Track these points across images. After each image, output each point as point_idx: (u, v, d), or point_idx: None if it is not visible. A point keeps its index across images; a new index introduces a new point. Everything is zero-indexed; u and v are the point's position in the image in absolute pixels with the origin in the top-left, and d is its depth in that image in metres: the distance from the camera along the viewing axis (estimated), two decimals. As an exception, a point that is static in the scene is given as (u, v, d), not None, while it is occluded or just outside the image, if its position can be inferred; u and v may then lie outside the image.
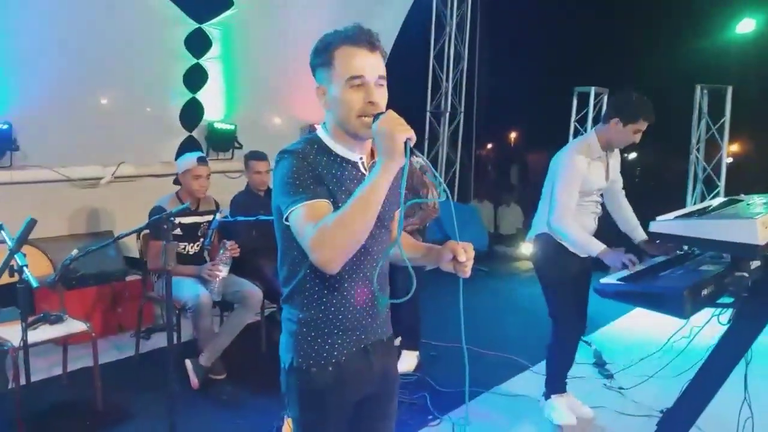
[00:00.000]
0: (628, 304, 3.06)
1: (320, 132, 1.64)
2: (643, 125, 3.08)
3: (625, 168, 3.52)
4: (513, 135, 17.93)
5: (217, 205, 4.03)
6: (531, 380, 3.94)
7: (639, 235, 3.22)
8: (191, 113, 5.39)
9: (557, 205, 3.09)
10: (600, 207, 3.32)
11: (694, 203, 6.93)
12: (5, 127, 4.17)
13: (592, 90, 7.07)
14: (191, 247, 3.94)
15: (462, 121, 8.26)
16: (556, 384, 3.40)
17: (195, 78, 5.24)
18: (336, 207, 1.52)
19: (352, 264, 1.57)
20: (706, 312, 2.85)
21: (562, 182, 3.10)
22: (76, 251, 2.70)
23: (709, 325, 2.97)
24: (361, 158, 1.63)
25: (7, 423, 3.03)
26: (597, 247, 2.98)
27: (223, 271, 3.69)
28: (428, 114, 8.18)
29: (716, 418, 2.96)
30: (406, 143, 1.44)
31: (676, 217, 2.67)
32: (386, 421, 1.81)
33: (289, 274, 1.64)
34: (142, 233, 3.99)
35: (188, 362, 3.71)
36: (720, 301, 2.66)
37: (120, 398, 3.48)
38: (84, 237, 4.69)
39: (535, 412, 3.48)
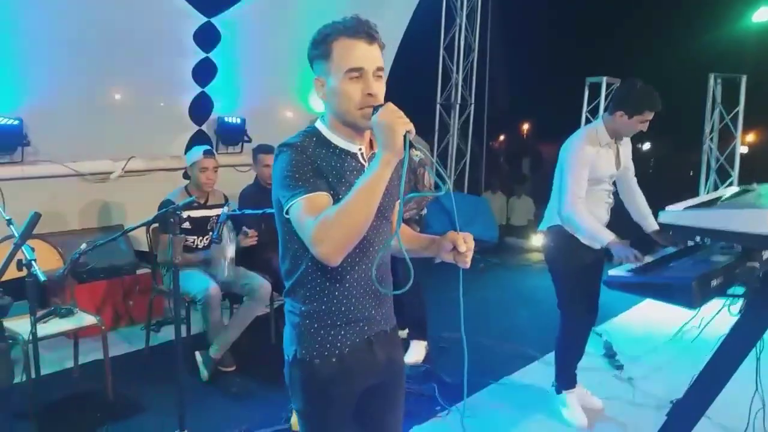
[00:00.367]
0: (637, 296, 3.04)
1: (319, 124, 1.64)
2: (648, 116, 3.04)
3: (639, 159, 3.48)
4: (524, 126, 17.85)
5: (226, 199, 4.04)
6: (540, 371, 3.94)
7: (650, 224, 3.19)
8: (201, 107, 5.41)
9: (567, 193, 3.07)
10: (612, 197, 3.29)
11: (708, 193, 6.85)
12: (16, 122, 4.21)
13: (604, 80, 7.00)
14: (200, 241, 3.96)
15: (472, 112, 8.21)
16: (566, 376, 3.39)
17: (204, 72, 5.25)
18: (336, 199, 1.52)
19: (354, 256, 1.56)
20: (717, 303, 2.83)
21: (571, 170, 3.08)
22: (85, 245, 2.71)
23: (719, 316, 2.95)
24: (360, 149, 1.63)
25: (19, 415, 3.06)
26: (607, 237, 2.95)
27: (230, 250, 3.66)
28: (438, 106, 8.14)
29: (727, 409, 2.95)
30: (405, 136, 1.44)
31: (686, 208, 2.63)
32: (394, 411, 1.80)
33: (291, 267, 1.64)
34: (152, 227, 4.01)
35: (198, 355, 3.74)
36: (731, 291, 2.64)
37: (131, 390, 3.51)
38: (95, 231, 4.73)
39: (544, 402, 3.47)
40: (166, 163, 5.11)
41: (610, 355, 4.17)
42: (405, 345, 3.98)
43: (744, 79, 6.87)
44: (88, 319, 3.41)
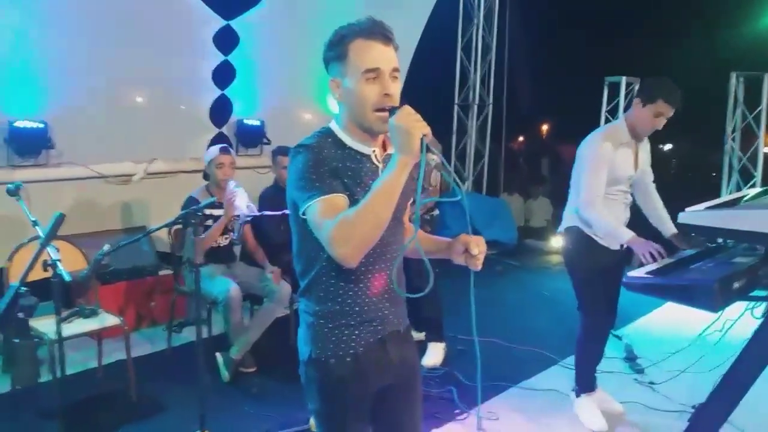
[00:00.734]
0: (657, 298, 3.00)
1: (333, 125, 1.65)
2: (663, 107, 2.98)
3: (660, 159, 3.45)
4: (543, 127, 17.73)
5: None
6: (560, 374, 3.91)
7: (669, 229, 3.16)
8: (220, 110, 5.46)
9: (585, 191, 3.05)
10: (630, 198, 3.26)
11: (730, 194, 6.76)
12: (41, 126, 4.29)
13: (623, 80, 6.94)
14: (221, 239, 3.99)
15: (490, 113, 8.18)
16: (585, 380, 3.37)
17: (224, 75, 5.31)
18: (352, 200, 1.53)
19: (368, 257, 1.57)
20: (740, 305, 2.79)
21: (589, 168, 3.06)
22: (108, 246, 2.75)
23: (742, 319, 2.91)
24: (373, 151, 1.65)
25: (45, 414, 3.12)
26: (626, 235, 2.93)
27: (239, 197, 3.66)
28: (456, 106, 8.13)
29: (751, 414, 2.91)
30: (422, 139, 1.45)
31: (707, 208, 2.61)
32: (410, 411, 1.81)
33: (306, 267, 1.66)
34: (174, 228, 4.06)
35: (219, 355, 3.77)
36: (754, 294, 2.61)
37: (153, 390, 3.56)
38: (117, 233, 4.79)
39: (564, 406, 3.45)
40: (187, 165, 5.16)
41: (630, 358, 4.13)
42: (422, 348, 3.98)
43: (767, 77, 6.77)
44: (111, 320, 3.47)
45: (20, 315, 1.67)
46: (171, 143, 5.13)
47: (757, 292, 2.56)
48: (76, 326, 3.31)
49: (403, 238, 1.75)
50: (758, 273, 2.56)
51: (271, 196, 4.25)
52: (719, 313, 2.59)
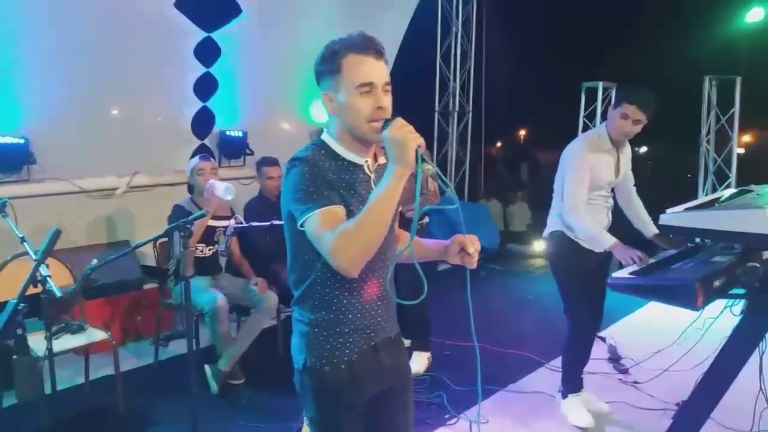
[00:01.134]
0: (640, 298, 3.07)
1: (325, 137, 1.69)
2: (627, 109, 3.04)
3: (636, 162, 3.52)
4: (521, 132, 17.91)
5: (233, 212, 4.09)
6: (546, 376, 3.96)
7: (651, 230, 3.23)
8: (202, 121, 5.45)
9: (568, 197, 3.12)
10: (610, 202, 3.33)
11: (706, 195, 6.91)
12: (22, 141, 4.26)
13: (600, 85, 7.07)
14: (206, 249, 4.00)
15: (470, 120, 8.27)
16: (572, 381, 3.42)
17: (205, 86, 5.31)
18: (348, 210, 1.57)
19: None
20: (720, 304, 2.86)
21: (572, 174, 3.13)
22: (96, 261, 2.74)
23: (722, 317, 2.98)
24: (366, 161, 1.68)
25: (38, 430, 3.10)
26: (609, 241, 3.00)
27: (216, 186, 3.65)
28: (436, 114, 8.20)
29: (732, 410, 2.98)
30: (417, 150, 1.50)
31: (686, 209, 2.68)
32: (404, 414, 1.85)
33: (300, 277, 1.68)
34: (159, 242, 4.06)
35: (207, 368, 3.76)
36: (733, 291, 2.68)
37: (142, 405, 3.54)
38: (101, 247, 4.76)
39: (551, 407, 3.50)
40: (170, 177, 5.15)
41: (614, 359, 4.21)
42: (407, 355, 4.01)
43: (738, 80, 6.94)
44: (99, 335, 3.45)
45: (18, 331, 1.67)
46: (153, 156, 5.12)
47: (736, 290, 2.63)
48: (64, 342, 3.28)
49: (395, 246, 1.79)
50: (736, 271, 2.64)
51: (257, 207, 4.26)
52: (700, 311, 2.66)
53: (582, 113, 7.29)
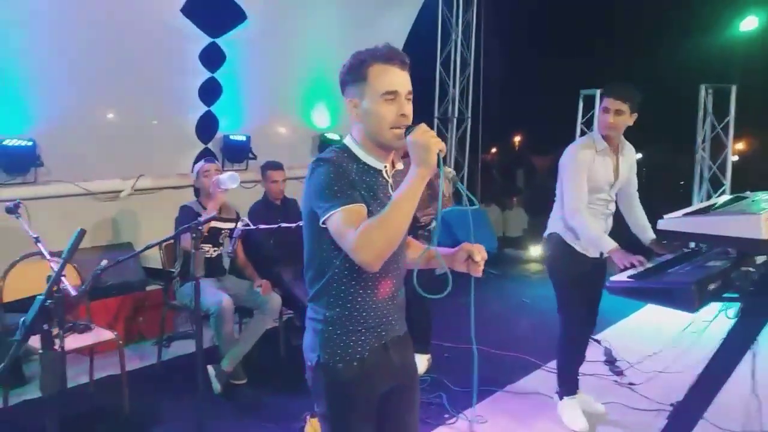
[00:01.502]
0: (638, 301, 3.14)
1: (348, 141, 1.76)
2: (604, 101, 3.20)
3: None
4: (520, 139, 18.02)
5: (238, 215, 4.15)
6: (544, 378, 4.03)
7: (648, 236, 3.29)
8: (207, 126, 5.53)
9: (568, 200, 3.19)
10: (610, 207, 3.38)
11: (701, 201, 6.99)
12: (29, 144, 4.32)
13: (598, 92, 7.13)
14: (212, 250, 4.06)
15: (469, 126, 8.35)
16: (567, 382, 3.49)
17: (210, 91, 5.38)
18: (367, 211, 1.64)
19: None
20: (714, 308, 2.95)
21: (569, 175, 3.21)
22: (106, 261, 2.80)
23: (717, 321, 3.06)
24: (384, 167, 1.76)
25: (43, 429, 3.15)
26: (609, 245, 3.06)
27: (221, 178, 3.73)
28: (436, 120, 8.28)
29: (724, 410, 3.05)
30: (438, 154, 1.58)
31: (683, 215, 2.76)
32: (412, 412, 1.92)
33: (316, 274, 1.75)
34: (165, 244, 4.13)
35: (210, 368, 3.81)
36: (727, 295, 2.76)
37: (146, 404, 3.59)
38: (105, 249, 4.82)
39: (548, 408, 3.57)
40: (174, 181, 5.22)
41: (610, 361, 4.28)
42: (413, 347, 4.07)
43: (734, 88, 7.04)
44: (105, 335, 3.51)
45: (45, 326, 1.73)
46: (158, 159, 5.18)
47: (730, 294, 2.70)
48: (72, 341, 3.33)
49: (405, 250, 1.86)
50: (731, 276, 2.72)
51: (261, 211, 4.32)
52: (695, 314, 2.74)
53: (579, 120, 7.38)
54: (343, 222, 1.59)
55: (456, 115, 8.21)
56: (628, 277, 2.77)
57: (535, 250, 7.80)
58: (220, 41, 5.21)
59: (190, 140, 5.46)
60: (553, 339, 3.52)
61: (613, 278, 2.79)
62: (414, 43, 7.12)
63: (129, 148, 4.92)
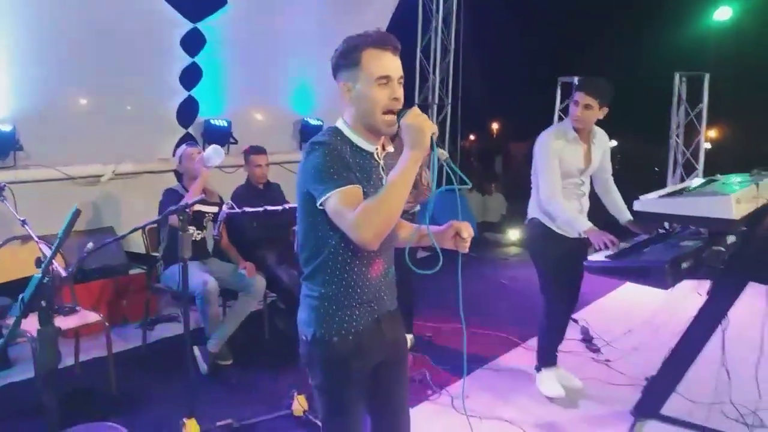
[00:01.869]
0: (615, 279, 3.26)
1: (340, 124, 1.81)
2: (577, 95, 3.28)
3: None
4: (498, 126, 18.16)
5: (221, 199, 4.18)
6: (523, 355, 4.15)
7: (625, 216, 3.41)
8: (187, 110, 5.51)
9: (543, 186, 3.30)
10: (583, 189, 3.47)
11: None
12: (9, 128, 4.29)
13: (576, 79, 7.24)
14: (196, 233, 4.09)
15: (449, 113, 8.42)
16: (546, 357, 3.61)
17: (191, 76, 5.37)
18: (362, 193, 1.69)
19: None
20: (688, 287, 3.07)
21: (542, 163, 3.32)
22: (92, 244, 2.83)
23: (688, 299, 3.19)
24: (376, 149, 1.82)
25: (30, 410, 3.18)
26: (584, 225, 3.17)
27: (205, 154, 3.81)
28: (416, 107, 8.31)
29: (695, 384, 3.20)
30: (431, 137, 1.65)
31: (659, 197, 2.88)
32: (402, 384, 1.99)
33: (311, 254, 1.80)
34: (148, 228, 4.14)
35: (196, 349, 3.84)
36: (699, 273, 2.89)
37: (133, 385, 3.62)
38: (86, 234, 4.78)
39: (528, 384, 3.67)
40: (155, 165, 5.21)
41: (587, 339, 4.41)
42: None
43: (707, 77, 7.20)
44: (91, 317, 3.53)
45: (42, 303, 1.77)
46: (139, 144, 5.16)
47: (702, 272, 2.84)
48: (59, 323, 3.33)
49: (396, 231, 1.92)
50: (703, 255, 2.85)
51: (245, 194, 4.35)
52: (669, 292, 2.86)
53: (557, 107, 7.49)
54: (341, 203, 1.64)
55: (436, 101, 8.27)
56: (606, 257, 2.88)
57: (513, 234, 7.93)
58: (200, 26, 5.19)
59: (170, 125, 5.44)
60: (532, 318, 3.63)
61: (590, 258, 2.90)
62: (395, 30, 7.02)
63: (110, 133, 4.89)
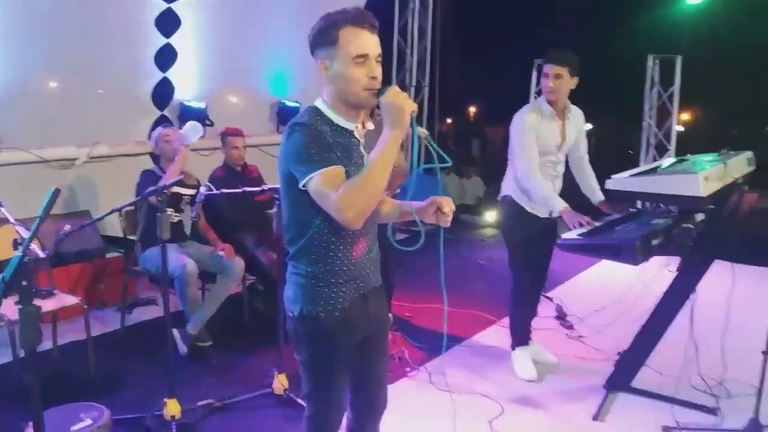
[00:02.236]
0: (587, 256, 3.34)
1: (319, 103, 1.82)
2: (545, 67, 3.34)
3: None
4: (475, 108, 18.20)
5: (198, 182, 4.16)
6: (498, 333, 4.25)
7: (598, 197, 3.48)
8: (163, 92, 5.45)
9: (519, 162, 3.35)
10: (558, 169, 3.53)
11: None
12: (-20, 110, 4.22)
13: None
14: (174, 216, 4.06)
15: (426, 95, 8.43)
16: (519, 334, 3.69)
17: (165, 57, 5.30)
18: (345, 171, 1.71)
19: None
20: (658, 264, 3.16)
21: (519, 140, 3.36)
22: (69, 227, 2.82)
23: (660, 277, 3.29)
24: (356, 127, 1.83)
25: (11, 393, 3.18)
26: (559, 205, 3.23)
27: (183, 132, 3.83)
28: (395, 85, 8.30)
29: (665, 356, 3.30)
30: (411, 115, 1.66)
31: (630, 176, 2.95)
32: (384, 357, 2.06)
33: (296, 234, 1.82)
34: (124, 210, 4.11)
35: (175, 331, 3.83)
36: (669, 250, 2.98)
37: (112, 368, 3.62)
38: (62, 217, 4.74)
39: (504, 361, 3.75)
40: (130, 148, 5.15)
41: (560, 316, 4.51)
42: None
43: (679, 59, 7.31)
44: (69, 300, 3.52)
45: (23, 282, 1.77)
46: (114, 126, 5.09)
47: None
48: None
49: (379, 208, 1.94)
50: (673, 232, 2.93)
51: (222, 177, 4.34)
52: (639, 270, 2.95)
53: (533, 89, 7.55)
54: (324, 184, 1.66)
55: (413, 83, 8.27)
56: (578, 235, 2.96)
57: (490, 216, 8.02)
58: (174, 6, 5.13)
59: (146, 107, 5.38)
60: (506, 297, 3.70)
61: (563, 236, 2.97)
62: (372, 11, 7.02)
63: (84, 115, 4.82)
